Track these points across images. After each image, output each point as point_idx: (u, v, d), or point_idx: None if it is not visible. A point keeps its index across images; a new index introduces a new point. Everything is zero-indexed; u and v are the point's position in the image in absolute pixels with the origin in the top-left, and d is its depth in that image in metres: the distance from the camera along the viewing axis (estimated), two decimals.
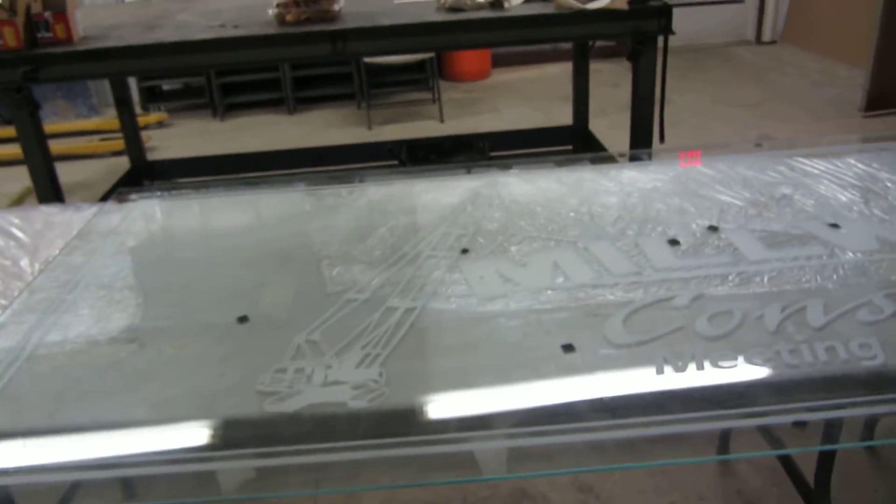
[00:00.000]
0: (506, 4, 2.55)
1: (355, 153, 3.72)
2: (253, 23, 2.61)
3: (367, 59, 5.05)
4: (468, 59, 6.01)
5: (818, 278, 1.29)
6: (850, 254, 1.37)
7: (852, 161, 1.77)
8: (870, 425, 1.12)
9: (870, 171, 1.73)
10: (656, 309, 1.23)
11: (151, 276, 1.53)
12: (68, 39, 2.56)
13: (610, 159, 2.44)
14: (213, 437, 1.06)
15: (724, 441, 1.19)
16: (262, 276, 1.46)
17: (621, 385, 1.08)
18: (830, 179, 1.68)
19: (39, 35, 2.54)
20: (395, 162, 3.48)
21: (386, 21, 2.48)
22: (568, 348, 1.14)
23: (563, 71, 6.05)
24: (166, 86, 5.86)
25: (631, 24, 2.55)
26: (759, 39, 6.74)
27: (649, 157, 2.34)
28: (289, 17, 2.54)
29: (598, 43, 6.14)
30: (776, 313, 1.19)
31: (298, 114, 5.59)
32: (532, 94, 5.65)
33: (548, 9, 2.51)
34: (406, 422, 1.04)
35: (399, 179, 1.91)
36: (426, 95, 5.46)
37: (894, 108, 4.70)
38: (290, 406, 1.05)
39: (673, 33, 2.58)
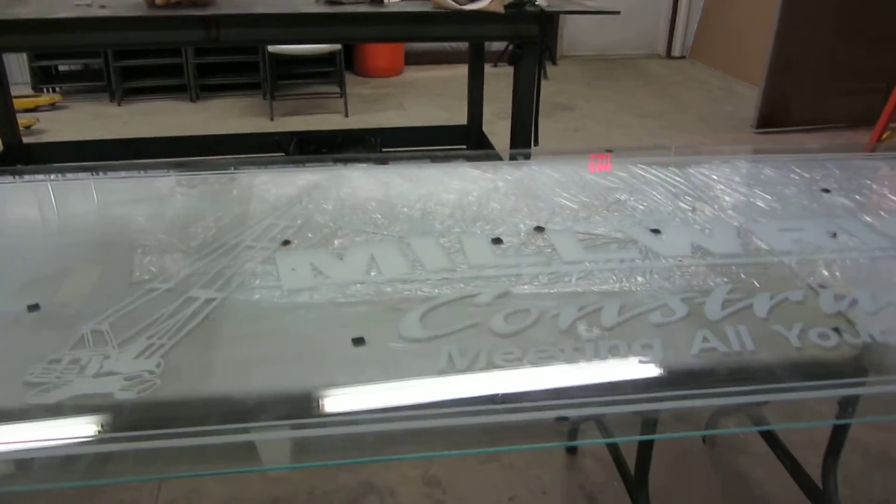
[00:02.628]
0: (385, 0, 2.53)
1: (246, 143, 3.64)
2: (121, 4, 2.52)
3: (273, 49, 4.97)
4: (380, 55, 5.99)
5: (625, 281, 1.32)
6: (663, 259, 1.40)
7: (693, 171, 1.82)
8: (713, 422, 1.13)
9: (707, 181, 1.77)
10: (458, 305, 1.23)
11: None
12: None
13: (496, 157, 2.44)
14: None
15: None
16: (70, 263, 1.39)
17: (400, 378, 1.07)
18: (666, 187, 1.72)
19: None
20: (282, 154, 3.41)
21: (261, 9, 2.43)
22: (358, 342, 1.12)
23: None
24: (63, 66, 5.63)
25: (511, 28, 2.56)
26: (669, 54, 6.94)
27: (526, 157, 2.36)
28: (159, 0, 2.45)
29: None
30: (572, 312, 1.20)
31: (201, 101, 5.46)
32: (441, 93, 5.67)
33: (426, 7, 2.50)
34: (173, 413, 1.00)
35: (264, 170, 1.86)
36: (334, 89, 5.41)
37: (782, 127, 4.90)
38: (53, 397, 1.00)
39: (551, 39, 2.61)
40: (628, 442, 1.71)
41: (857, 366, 1.15)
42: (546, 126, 5.07)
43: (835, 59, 4.83)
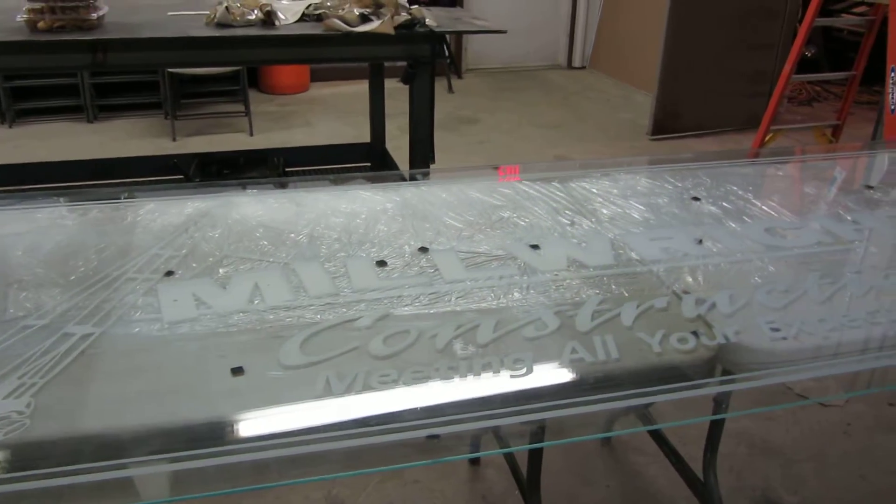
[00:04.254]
0: (277, 23, 2.54)
1: (144, 166, 3.56)
2: (2, 28, 2.44)
3: (173, 69, 4.88)
4: (285, 72, 5.95)
5: (503, 297, 1.37)
6: (540, 274, 1.46)
7: (574, 185, 1.90)
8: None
9: (587, 195, 1.86)
10: (339, 330, 1.25)
11: None
12: None
13: (398, 177, 2.47)
14: None
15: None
16: None
17: (278, 406, 1.09)
18: (548, 203, 1.79)
19: None
20: (182, 177, 3.36)
21: (148, 33, 2.40)
22: (237, 371, 1.13)
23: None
24: None
25: (404, 49, 2.61)
26: (570, 65, 7.15)
27: (425, 176, 2.40)
28: (41, 24, 2.39)
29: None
30: (449, 332, 1.24)
31: (100, 122, 5.30)
32: (348, 110, 5.68)
33: (318, 30, 2.52)
34: (42, 453, 0.99)
35: (154, 197, 1.83)
36: (239, 107, 5.34)
37: (675, 133, 5.12)
38: None
39: (445, 59, 2.67)
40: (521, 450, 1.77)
41: (712, 366, 1.24)
42: (451, 140, 5.16)
43: (720, 66, 5.09)
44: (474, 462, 2.18)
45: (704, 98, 5.14)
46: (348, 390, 1.10)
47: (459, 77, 6.61)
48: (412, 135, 2.79)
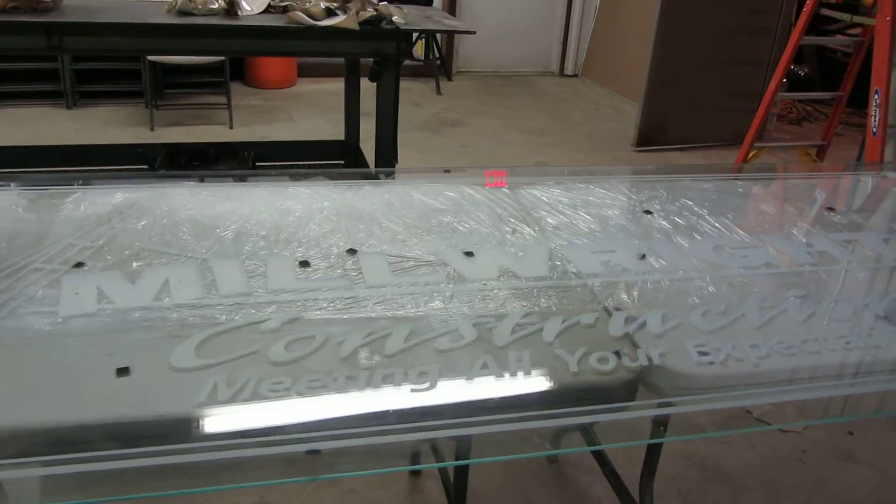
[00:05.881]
0: (240, 13, 2.47)
1: (111, 155, 3.49)
2: None
3: (154, 57, 4.81)
4: (272, 66, 5.89)
5: (423, 306, 1.31)
6: (468, 283, 1.40)
7: (524, 192, 1.84)
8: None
9: (536, 203, 1.79)
10: (243, 332, 1.19)
11: None
12: None
13: (362, 176, 2.41)
14: None
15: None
16: None
17: (161, 409, 1.02)
18: (493, 208, 1.73)
19: None
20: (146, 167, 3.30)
21: (105, 18, 2.33)
22: (122, 371, 1.07)
23: (372, 86, 6.07)
24: None
25: (370, 45, 2.55)
26: (562, 72, 7.10)
27: (387, 175, 2.34)
28: None
29: (407, 62, 6.22)
30: (358, 339, 1.18)
31: (80, 109, 5.23)
32: (333, 107, 5.61)
33: (281, 22, 2.46)
34: None
35: (89, 186, 1.77)
36: (222, 100, 5.27)
37: (659, 146, 5.07)
38: None
39: (412, 58, 2.61)
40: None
41: (633, 388, 1.17)
42: (434, 142, 5.10)
43: (709, 80, 5.04)
44: (415, 473, 2.12)
45: (692, 112, 5.09)
46: (234, 398, 1.03)
47: (449, 79, 6.55)
48: (378, 134, 2.73)
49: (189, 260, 1.41)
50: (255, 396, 1.04)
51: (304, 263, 1.42)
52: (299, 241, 1.51)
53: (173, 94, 5.45)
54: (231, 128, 4.98)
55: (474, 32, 2.60)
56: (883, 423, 2.52)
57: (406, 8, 2.77)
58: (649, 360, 1.19)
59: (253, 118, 5.25)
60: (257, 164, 3.56)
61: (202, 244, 1.47)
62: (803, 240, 1.71)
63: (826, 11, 4.29)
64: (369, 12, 2.43)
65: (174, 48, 2.63)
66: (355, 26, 2.41)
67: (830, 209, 1.94)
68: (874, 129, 3.52)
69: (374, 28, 2.44)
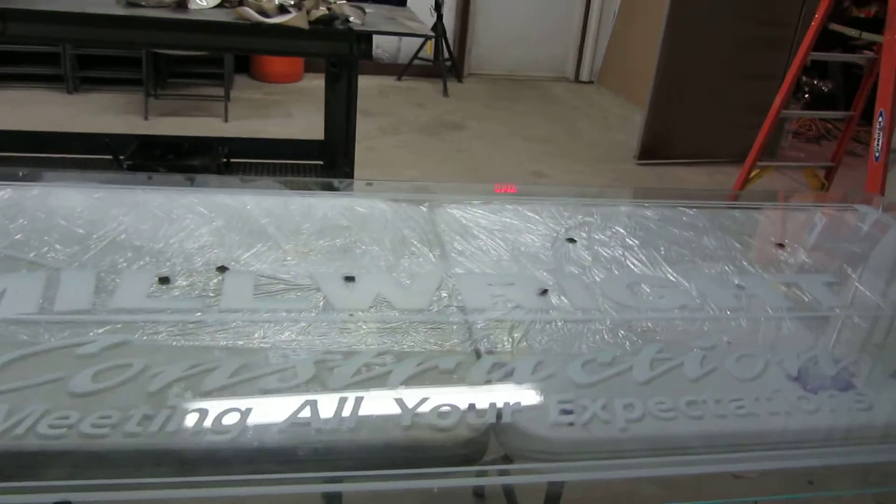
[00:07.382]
0: (190, 6, 2.38)
1: (81, 144, 3.43)
2: None
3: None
4: (277, 60, 5.83)
5: (272, 336, 1.19)
6: (335, 312, 1.28)
7: (444, 210, 1.72)
8: None
9: (451, 223, 1.67)
10: (55, 355, 1.09)
11: None
12: None
13: (304, 186, 2.30)
14: None
15: None
16: None
17: None
18: (401, 228, 1.61)
19: None
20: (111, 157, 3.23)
21: (44, 6, 2.26)
22: None
23: (378, 85, 5.97)
24: None
25: (324, 45, 2.45)
26: (577, 78, 6.93)
27: (344, 186, 2.23)
28: None
29: (415, 62, 6.11)
30: (177, 371, 1.07)
31: (80, 94, 5.22)
32: None
33: (230, 17, 2.36)
34: None
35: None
36: (221, 92, 5.23)
37: (664, 160, 4.89)
38: None
39: (369, 59, 2.50)
40: None
41: (477, 449, 1.05)
42: (430, 145, 4.99)
43: (719, 94, 4.85)
44: None
45: (699, 125, 4.90)
46: (5, 433, 0.93)
47: (459, 81, 6.43)
48: (324, 139, 2.62)
49: (40, 269, 1.31)
50: (30, 432, 0.94)
51: (164, 280, 1.32)
52: (173, 253, 1.41)
53: (176, 84, 5.42)
54: (226, 121, 4.92)
55: (433, 36, 2.49)
56: None
57: (372, 8, 2.66)
58: (499, 416, 1.06)
59: (250, 112, 5.19)
60: (231, 160, 3.48)
61: (66, 251, 1.38)
62: (736, 281, 1.56)
63: (834, 26, 4.08)
64: (321, 11, 2.32)
65: (118, 39, 2.54)
66: (305, 25, 2.30)
67: (780, 245, 1.79)
68: (876, 155, 3.32)
69: (327, 28, 2.34)
